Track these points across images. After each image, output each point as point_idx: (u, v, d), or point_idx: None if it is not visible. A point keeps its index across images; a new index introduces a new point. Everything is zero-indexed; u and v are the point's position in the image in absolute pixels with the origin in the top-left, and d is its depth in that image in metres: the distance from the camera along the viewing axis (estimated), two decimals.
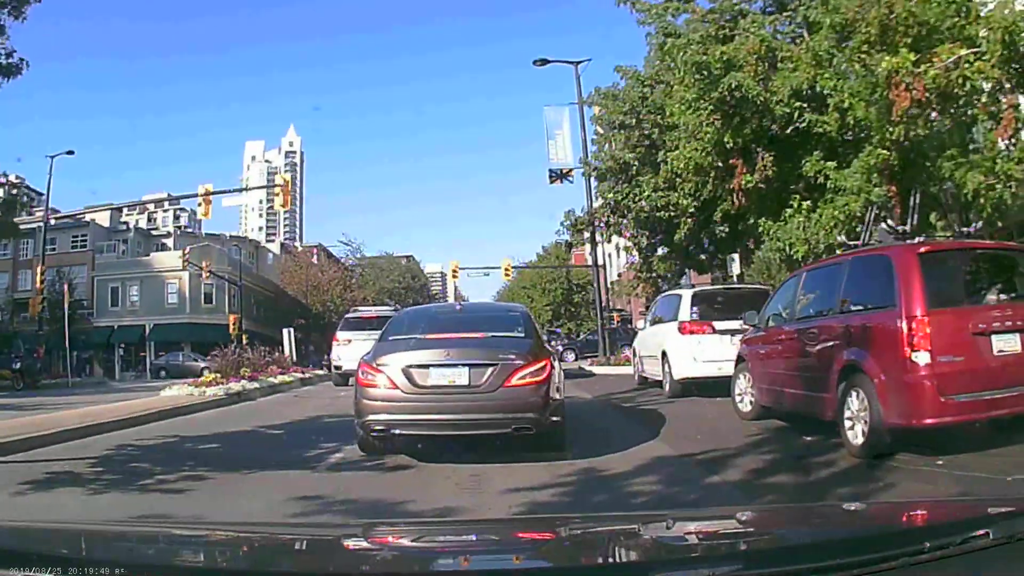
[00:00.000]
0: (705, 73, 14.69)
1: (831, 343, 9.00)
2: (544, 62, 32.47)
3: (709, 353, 14.83)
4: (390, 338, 9.61)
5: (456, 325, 10.10)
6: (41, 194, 67.47)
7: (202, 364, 39.07)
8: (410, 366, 8.55)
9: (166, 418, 14.82)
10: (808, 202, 14.42)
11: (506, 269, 51.88)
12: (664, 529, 2.91)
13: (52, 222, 62.89)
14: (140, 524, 5.00)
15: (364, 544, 2.83)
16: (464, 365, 8.50)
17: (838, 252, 13.93)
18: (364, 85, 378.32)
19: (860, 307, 8.84)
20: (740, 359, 11.92)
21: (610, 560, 2.47)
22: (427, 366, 8.58)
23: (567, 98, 42.00)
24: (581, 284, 69.06)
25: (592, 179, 28.24)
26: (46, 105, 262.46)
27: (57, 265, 63.61)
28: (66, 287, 47.00)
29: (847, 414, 8.38)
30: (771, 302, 11.46)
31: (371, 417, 8.61)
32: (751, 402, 11.51)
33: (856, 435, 8.21)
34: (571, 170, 34.00)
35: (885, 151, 13.02)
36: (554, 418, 8.62)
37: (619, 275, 54.20)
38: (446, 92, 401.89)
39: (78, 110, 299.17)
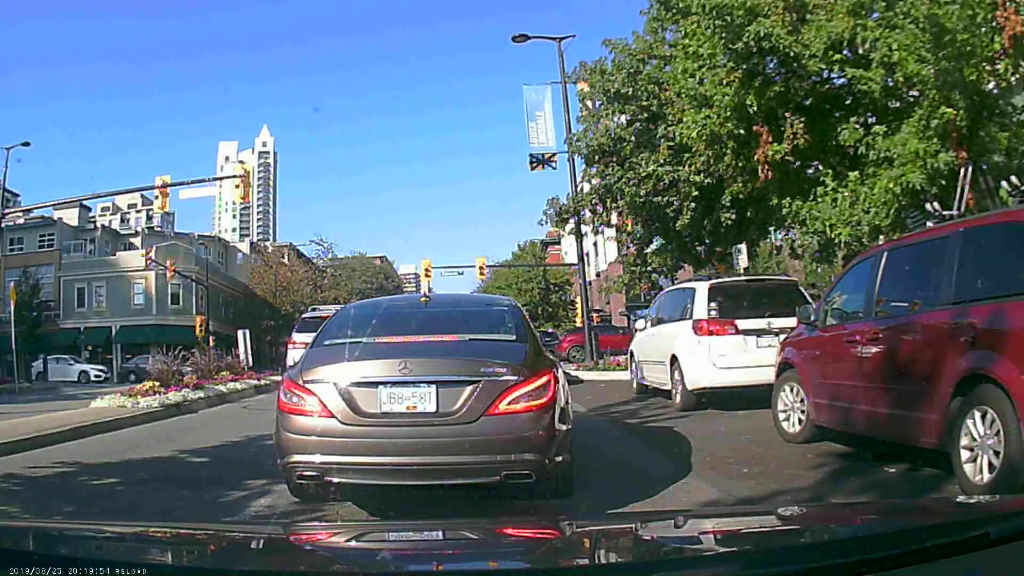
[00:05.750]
0: (727, 19, 12.19)
1: (938, 345, 6.57)
2: (524, 38, 29.77)
3: (731, 358, 12.38)
4: (326, 343, 6.78)
5: (420, 324, 7.31)
6: (17, 195, 65.83)
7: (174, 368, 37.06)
8: (352, 384, 5.89)
9: (83, 436, 12.58)
10: (855, 173, 11.96)
11: (481, 268, 49.20)
12: (664, 529, 2.89)
13: (21, 220, 61.72)
14: (142, 524, 4.23)
15: (355, 544, 2.81)
16: (430, 383, 5.82)
17: (882, 239, 11.78)
18: (336, 80, 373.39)
19: (986, 295, 6.36)
20: (786, 366, 9.47)
21: (610, 560, 2.50)
22: (376, 384, 5.88)
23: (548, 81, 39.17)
24: (558, 284, 67.75)
25: (578, 162, 26.03)
26: (12, 115, 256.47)
27: (24, 265, 64.10)
28: (12, 286, 44.08)
29: (964, 441, 6.14)
30: (832, 293, 9.01)
31: (296, 458, 5.95)
32: (800, 420, 9.18)
33: (978, 469, 5.99)
34: (554, 155, 31.45)
35: (950, 109, 10.66)
36: (559, 457, 5.98)
37: (598, 274, 52.07)
38: (422, 95, 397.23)
39: (47, 118, 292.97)
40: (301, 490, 6.66)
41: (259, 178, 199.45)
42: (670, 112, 17.32)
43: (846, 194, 11.99)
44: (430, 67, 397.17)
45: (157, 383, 18.45)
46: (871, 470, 7.61)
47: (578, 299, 41.40)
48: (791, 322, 10.52)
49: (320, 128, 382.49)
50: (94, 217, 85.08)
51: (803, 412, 9.06)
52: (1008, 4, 9.22)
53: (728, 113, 13.29)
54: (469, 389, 5.79)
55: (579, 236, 28.94)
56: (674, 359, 13.43)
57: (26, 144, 46.53)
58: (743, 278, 14.63)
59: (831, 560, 2.05)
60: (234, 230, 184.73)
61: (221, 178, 68.14)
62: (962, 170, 10.31)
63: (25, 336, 43.63)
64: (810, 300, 11.79)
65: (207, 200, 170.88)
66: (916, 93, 11.83)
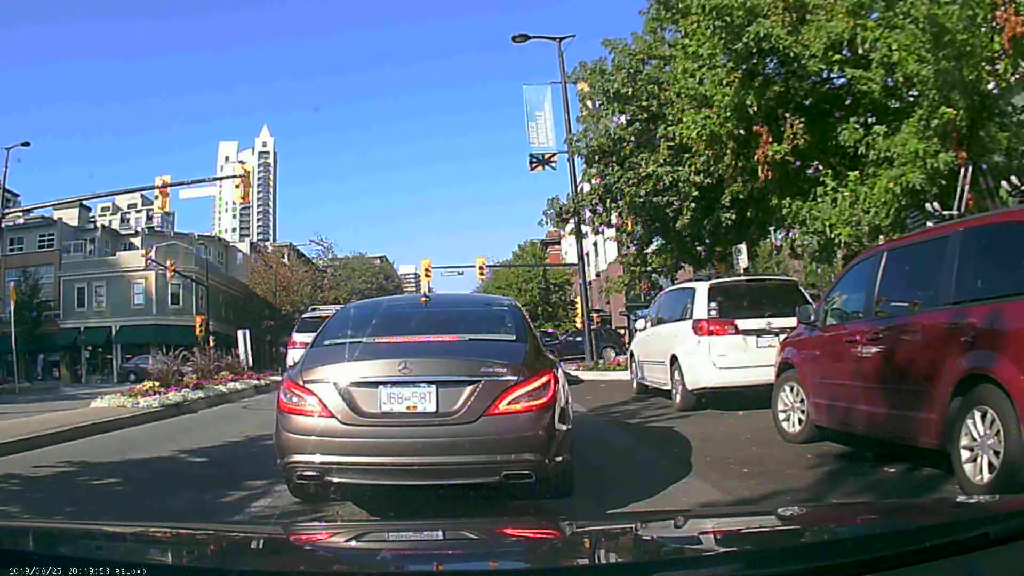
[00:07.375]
0: (727, 20, 12.18)
1: (938, 345, 6.56)
2: (524, 38, 29.68)
3: (731, 358, 12.36)
4: (326, 343, 6.77)
5: (420, 324, 7.28)
6: (17, 195, 65.76)
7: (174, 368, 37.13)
8: (352, 384, 5.88)
9: (83, 436, 12.57)
10: (855, 173, 11.96)
11: (480, 268, 49.11)
12: (664, 529, 2.91)
13: (22, 221, 61.73)
14: (141, 524, 4.02)
15: (355, 544, 2.81)
16: (430, 383, 5.81)
17: (882, 239, 11.77)
18: (336, 81, 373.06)
19: (986, 296, 6.34)
20: (786, 366, 9.46)
21: (610, 560, 2.51)
22: (376, 384, 5.87)
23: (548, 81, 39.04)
24: (558, 284, 67.66)
25: (578, 162, 25.93)
26: (12, 116, 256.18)
27: (23, 265, 64.31)
28: (12, 286, 44.08)
29: (964, 441, 6.11)
30: (832, 293, 9.00)
31: (297, 458, 5.93)
32: (800, 420, 9.16)
33: (978, 469, 5.96)
34: (554, 155, 31.50)
35: (950, 109, 10.65)
36: (559, 457, 5.95)
37: (598, 274, 52.02)
38: (423, 84, 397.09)
39: (47, 119, 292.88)
40: (301, 490, 6.64)
41: (259, 178, 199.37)
42: (670, 112, 17.27)
43: (846, 194, 11.99)
44: (429, 68, 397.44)
45: (157, 383, 18.44)
46: (871, 470, 7.59)
47: (578, 299, 41.38)
48: (791, 322, 10.51)
49: (320, 129, 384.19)
50: (94, 217, 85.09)
51: (803, 412, 9.05)
52: (1008, 4, 9.21)
53: (728, 113, 13.26)
54: (469, 389, 5.78)
55: (579, 236, 28.91)
56: (674, 359, 13.41)
57: (26, 144, 46.48)
58: (743, 278, 14.62)
59: (831, 560, 2.04)
60: (234, 230, 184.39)
61: (221, 178, 68.24)
62: (962, 170, 10.26)
63: (25, 336, 43.44)
64: (810, 300, 11.76)
65: (207, 200, 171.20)
66: (916, 93, 11.81)
